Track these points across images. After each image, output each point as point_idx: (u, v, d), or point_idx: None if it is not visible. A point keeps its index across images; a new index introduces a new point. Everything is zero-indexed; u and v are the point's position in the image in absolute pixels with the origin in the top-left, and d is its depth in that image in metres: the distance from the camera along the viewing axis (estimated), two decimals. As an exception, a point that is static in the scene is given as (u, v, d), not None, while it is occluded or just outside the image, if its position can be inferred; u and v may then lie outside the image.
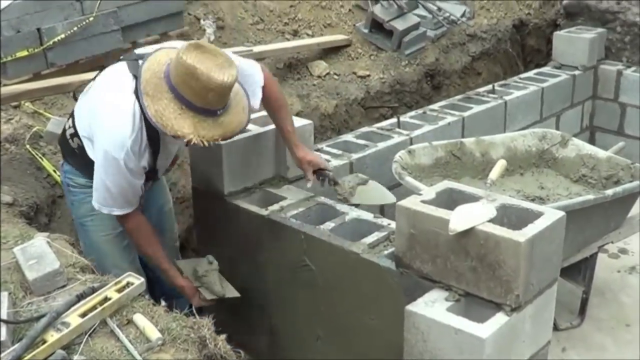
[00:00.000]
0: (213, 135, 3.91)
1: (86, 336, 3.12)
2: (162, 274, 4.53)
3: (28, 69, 5.81)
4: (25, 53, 5.70)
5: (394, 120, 6.74)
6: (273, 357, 5.11)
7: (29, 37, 5.74)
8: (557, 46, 8.72)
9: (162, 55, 4.01)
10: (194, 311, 3.44)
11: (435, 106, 7.25)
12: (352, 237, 4.45)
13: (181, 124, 3.82)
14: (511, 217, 3.76)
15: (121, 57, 4.29)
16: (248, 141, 4.93)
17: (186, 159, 5.58)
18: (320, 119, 7.08)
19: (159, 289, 4.65)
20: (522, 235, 3.45)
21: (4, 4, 5.55)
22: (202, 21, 7.34)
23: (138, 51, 4.28)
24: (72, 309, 3.22)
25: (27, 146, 5.34)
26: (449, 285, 3.71)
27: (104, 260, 4.41)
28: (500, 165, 4.44)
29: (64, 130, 4.47)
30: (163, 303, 3.52)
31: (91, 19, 6.01)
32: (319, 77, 7.56)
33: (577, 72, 8.42)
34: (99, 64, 6.14)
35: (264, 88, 4.50)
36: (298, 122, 5.03)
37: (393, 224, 4.25)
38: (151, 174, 4.34)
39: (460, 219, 3.59)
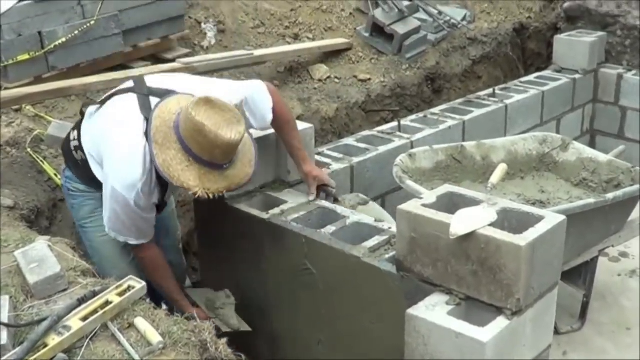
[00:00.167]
0: (218, 187, 4.00)
1: (87, 340, 3.13)
2: (173, 304, 4.52)
3: (29, 73, 5.81)
4: (26, 56, 5.71)
5: (394, 123, 6.74)
6: (274, 361, 5.12)
7: (30, 40, 5.75)
8: (557, 50, 8.72)
9: (173, 104, 4.05)
10: (195, 314, 3.45)
11: (436, 110, 7.26)
12: (353, 241, 4.45)
13: (187, 176, 3.90)
14: (512, 221, 3.76)
15: (131, 88, 4.31)
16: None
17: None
18: (321, 123, 7.09)
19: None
20: (523, 239, 3.45)
21: (5, 8, 5.55)
22: (203, 25, 7.35)
23: (149, 83, 4.31)
24: (73, 312, 3.22)
25: (28, 150, 5.34)
26: (449, 289, 3.71)
27: (104, 261, 4.50)
28: (501, 169, 4.43)
29: (69, 140, 4.51)
30: (164, 307, 3.53)
31: (92, 22, 6.01)
32: (319, 80, 7.56)
33: (577, 76, 8.43)
34: (100, 67, 6.18)
35: (272, 109, 4.60)
36: (299, 125, 5.03)
37: (394, 228, 4.25)
38: (160, 206, 4.38)
39: (461, 222, 3.59)
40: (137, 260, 4.49)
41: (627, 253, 6.86)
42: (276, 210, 4.82)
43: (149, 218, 4.28)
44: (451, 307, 3.64)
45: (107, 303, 3.31)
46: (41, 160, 5.32)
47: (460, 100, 7.59)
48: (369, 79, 7.81)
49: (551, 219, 3.68)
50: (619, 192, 5.26)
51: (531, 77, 8.46)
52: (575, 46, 8.55)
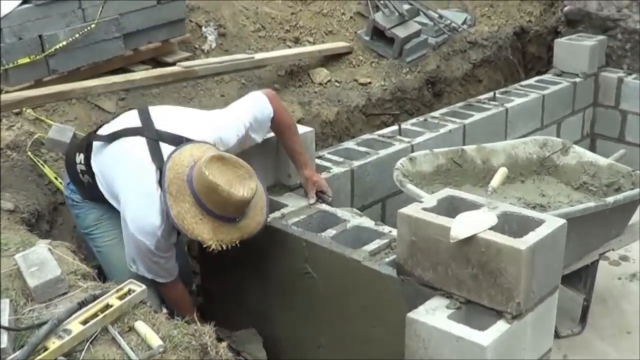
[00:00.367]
0: (231, 238, 4.12)
1: (87, 343, 3.13)
2: None
3: (30, 76, 5.82)
4: (27, 60, 5.71)
5: (395, 127, 6.74)
6: (274, 364, 5.12)
7: (31, 44, 5.75)
8: (558, 53, 8.72)
9: (185, 155, 4.12)
10: (195, 318, 3.45)
11: (436, 113, 7.25)
12: (354, 245, 4.45)
13: (201, 229, 4.01)
14: (512, 224, 3.76)
15: (139, 129, 4.35)
16: (249, 149, 4.93)
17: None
18: (321, 126, 7.08)
19: None
20: (523, 243, 3.46)
21: (5, 11, 5.55)
22: (203, 28, 7.35)
23: (157, 124, 4.36)
24: (74, 316, 3.22)
25: (29, 153, 5.35)
26: (450, 292, 3.71)
27: (113, 263, 4.59)
28: (501, 173, 4.45)
29: (74, 162, 4.58)
30: (164, 310, 3.54)
31: (93, 26, 6.02)
32: (320, 84, 7.56)
33: (577, 80, 8.42)
34: (100, 70, 6.18)
35: (273, 116, 4.71)
36: (299, 129, 5.04)
37: (394, 232, 4.25)
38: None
39: (461, 226, 3.59)
40: (164, 296, 4.56)
41: (627, 257, 6.85)
42: (276, 214, 4.82)
43: (170, 256, 4.39)
44: (451, 310, 3.64)
45: (108, 306, 3.31)
46: (41, 164, 5.33)
47: (460, 104, 7.58)
48: (370, 83, 7.81)
49: (551, 222, 3.69)
50: (620, 196, 5.25)
51: (531, 81, 8.45)
52: (576, 50, 8.55)
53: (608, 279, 6.49)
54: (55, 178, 5.27)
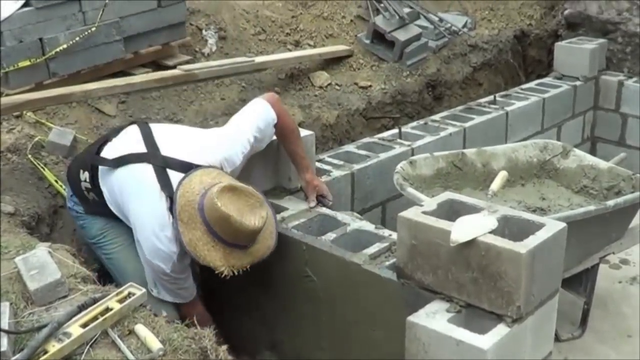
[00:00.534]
0: (243, 263, 4.19)
1: (87, 346, 3.13)
2: None
3: (30, 79, 5.81)
4: (27, 63, 5.70)
5: (395, 130, 6.74)
6: (274, 368, 5.12)
7: (31, 47, 5.75)
8: (558, 57, 8.71)
9: (195, 183, 4.16)
10: (195, 321, 3.46)
11: (436, 117, 7.25)
12: (354, 248, 4.46)
13: (213, 256, 4.07)
14: (512, 228, 3.76)
15: (145, 156, 4.37)
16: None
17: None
18: (321, 130, 7.08)
19: None
20: (523, 246, 3.46)
21: (5, 14, 5.55)
22: (204, 31, 7.35)
23: (162, 149, 4.39)
24: (74, 319, 3.23)
25: (29, 156, 5.34)
26: (450, 296, 3.72)
27: (124, 269, 4.63)
28: (501, 177, 4.45)
29: (79, 179, 4.62)
30: (164, 313, 3.54)
31: (93, 29, 6.01)
32: (320, 87, 7.56)
33: (578, 83, 8.42)
34: (100, 74, 6.18)
35: (276, 122, 4.75)
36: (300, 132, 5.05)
37: (394, 235, 4.25)
38: None
39: (461, 230, 3.60)
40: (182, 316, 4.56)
41: (627, 260, 6.85)
42: (277, 218, 4.82)
43: (187, 277, 4.47)
44: (451, 314, 3.64)
45: (108, 310, 3.32)
46: (42, 167, 5.32)
47: (460, 107, 7.58)
48: (370, 86, 7.80)
49: (552, 226, 3.69)
50: (620, 199, 5.25)
51: (532, 84, 8.45)
52: (576, 53, 8.55)
53: (608, 283, 6.49)
54: (56, 181, 5.27)
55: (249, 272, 4.80)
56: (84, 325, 3.19)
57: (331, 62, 7.89)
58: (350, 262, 4.32)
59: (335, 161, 5.99)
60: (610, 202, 5.18)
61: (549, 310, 3.79)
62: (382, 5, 8.39)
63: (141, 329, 3.24)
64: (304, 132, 5.15)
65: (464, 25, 9.00)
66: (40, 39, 5.79)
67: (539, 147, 6.14)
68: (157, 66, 6.72)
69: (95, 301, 3.36)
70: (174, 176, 4.23)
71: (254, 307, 5.02)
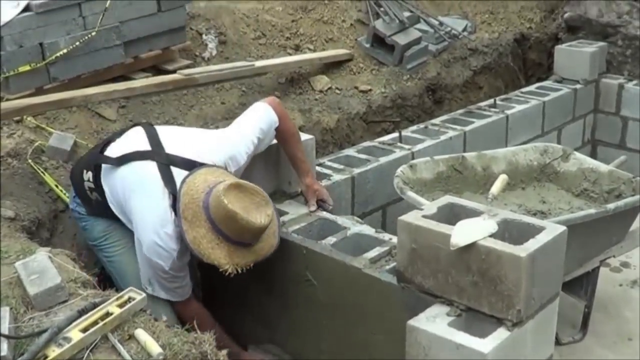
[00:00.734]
0: (247, 261, 4.17)
1: (87, 351, 3.13)
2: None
3: (30, 84, 5.82)
4: (27, 68, 5.71)
5: (395, 134, 6.74)
6: (275, 372, 5.12)
7: (32, 52, 5.75)
8: (558, 60, 8.72)
9: (199, 181, 4.16)
10: (195, 325, 3.45)
11: (436, 120, 7.25)
12: (354, 252, 4.46)
13: (218, 254, 4.06)
14: (512, 231, 3.76)
15: (149, 153, 4.39)
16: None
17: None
18: (322, 134, 7.08)
19: None
20: (524, 250, 3.46)
21: (6, 19, 5.56)
22: (204, 36, 7.36)
23: (167, 147, 4.41)
24: (74, 324, 3.23)
25: (29, 161, 5.34)
26: (450, 300, 3.71)
27: (125, 272, 4.64)
28: (501, 180, 4.44)
29: (82, 179, 4.62)
30: (164, 317, 3.54)
31: (93, 33, 6.01)
32: (320, 91, 7.56)
33: (578, 86, 8.42)
34: (101, 78, 6.18)
35: (277, 125, 4.76)
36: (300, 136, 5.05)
37: (394, 239, 4.25)
38: None
39: (461, 233, 3.59)
40: (179, 315, 4.57)
41: (628, 263, 6.85)
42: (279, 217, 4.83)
43: (185, 275, 4.44)
44: (452, 318, 3.64)
45: (108, 314, 3.32)
46: (42, 172, 5.32)
47: (461, 111, 7.58)
48: (370, 90, 7.80)
49: (552, 229, 3.69)
50: (620, 203, 5.25)
51: (532, 88, 8.45)
52: (576, 56, 8.56)
53: (609, 286, 6.49)
54: (56, 186, 5.26)
55: (249, 275, 4.81)
56: (84, 330, 3.19)
57: (331, 66, 7.90)
58: (351, 266, 4.32)
59: (336, 165, 5.99)
60: (611, 206, 5.18)
61: (549, 313, 3.79)
62: (382, 9, 8.39)
63: (141, 334, 3.24)
64: (304, 136, 5.15)
65: (464, 29, 9.01)
66: (41, 44, 5.79)
67: (539, 151, 6.14)
68: (157, 71, 6.73)
69: (95, 306, 3.36)
70: (178, 173, 4.23)
71: (254, 310, 5.01)
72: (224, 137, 4.66)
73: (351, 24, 8.49)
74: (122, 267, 4.63)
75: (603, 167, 5.85)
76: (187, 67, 6.78)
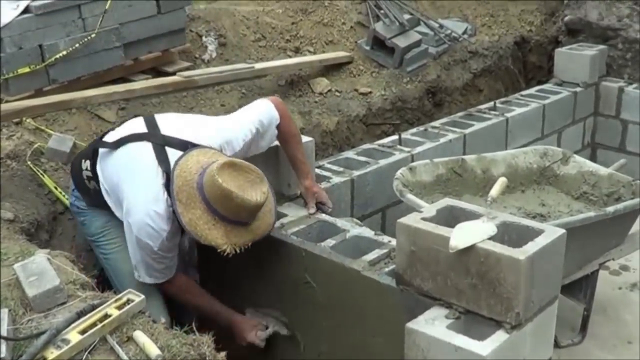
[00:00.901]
0: (244, 241, 4.15)
1: (86, 353, 3.13)
2: (216, 317, 4.67)
3: (30, 86, 5.82)
4: (27, 70, 5.71)
5: (395, 137, 6.74)
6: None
7: (31, 53, 5.75)
8: (558, 63, 8.72)
9: (192, 162, 4.13)
10: (194, 327, 3.45)
11: (436, 123, 7.25)
12: (353, 254, 4.45)
13: (215, 235, 4.03)
14: (512, 234, 3.76)
15: (145, 135, 4.39)
16: (250, 158, 4.94)
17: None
18: (321, 136, 7.08)
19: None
20: (523, 252, 3.45)
21: (5, 20, 5.56)
22: (204, 38, 7.36)
23: (163, 129, 4.41)
24: (72, 326, 3.23)
25: (29, 163, 5.34)
26: (449, 302, 3.71)
27: (120, 271, 4.63)
28: (500, 183, 4.44)
29: (80, 169, 4.61)
30: (163, 320, 3.53)
31: (93, 35, 6.02)
32: (320, 94, 7.56)
33: (578, 89, 8.42)
34: (100, 80, 6.18)
35: (278, 123, 4.73)
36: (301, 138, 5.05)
37: (394, 241, 4.25)
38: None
39: (460, 236, 3.59)
40: (168, 294, 4.58)
41: (627, 266, 6.84)
42: (276, 224, 4.82)
43: (173, 256, 4.41)
44: (450, 320, 3.63)
45: (106, 316, 3.31)
46: (41, 174, 5.32)
47: (461, 114, 7.58)
48: (370, 92, 7.81)
49: (551, 232, 3.68)
50: (620, 206, 5.25)
51: (532, 91, 8.45)
52: (576, 59, 8.55)
53: (608, 289, 6.49)
54: (55, 188, 5.27)
55: (248, 275, 4.83)
56: (83, 332, 3.19)
57: (331, 69, 7.90)
58: (350, 269, 4.32)
59: (335, 167, 5.99)
60: (610, 209, 5.18)
61: (548, 316, 3.79)
62: (382, 11, 8.40)
63: (140, 336, 3.23)
64: (304, 139, 5.14)
65: (464, 32, 9.01)
66: (40, 46, 5.80)
67: (539, 154, 6.14)
68: (157, 72, 6.73)
69: (94, 308, 3.36)
70: (173, 153, 4.21)
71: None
72: (222, 122, 4.67)
73: (351, 27, 8.49)
74: (117, 264, 4.62)
75: (603, 170, 5.85)
76: (187, 69, 6.79)
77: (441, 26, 8.85)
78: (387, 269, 4.24)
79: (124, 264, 4.55)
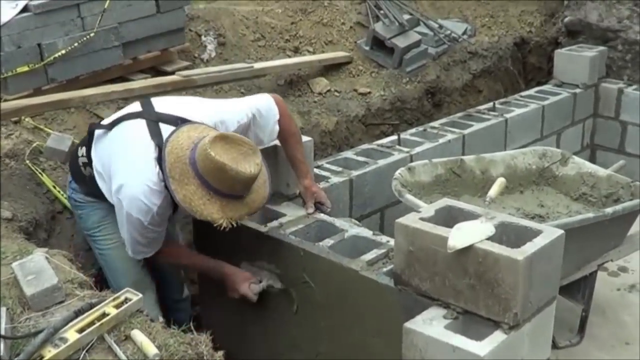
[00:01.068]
0: (240, 214, 4.13)
1: (84, 352, 3.13)
2: (210, 273, 4.77)
3: (29, 85, 5.82)
4: (25, 69, 5.71)
5: (394, 137, 6.74)
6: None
7: (30, 52, 5.75)
8: (558, 64, 8.71)
9: (183, 138, 4.10)
10: (192, 327, 3.45)
11: (435, 123, 7.24)
12: (351, 254, 4.45)
13: (210, 210, 4.00)
14: (510, 235, 3.76)
15: (139, 112, 4.40)
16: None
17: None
18: (320, 136, 7.08)
19: (168, 292, 5.02)
20: (521, 253, 3.45)
21: (4, 19, 5.56)
22: (203, 37, 7.36)
23: (158, 108, 4.40)
24: (70, 324, 3.22)
25: (27, 162, 5.34)
26: (447, 302, 3.71)
27: (115, 268, 4.66)
28: (499, 183, 4.44)
29: (77, 156, 4.60)
30: (161, 319, 3.53)
31: (92, 34, 6.02)
32: (319, 94, 7.56)
33: (578, 90, 8.41)
34: (99, 79, 6.18)
35: (278, 121, 4.71)
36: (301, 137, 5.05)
37: (392, 241, 4.25)
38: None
39: (459, 236, 3.59)
40: (159, 262, 4.62)
41: (626, 267, 6.85)
42: (274, 223, 4.83)
43: (162, 230, 4.39)
44: (448, 320, 3.63)
45: (104, 315, 3.32)
46: (40, 173, 5.32)
47: (460, 114, 7.57)
48: (369, 93, 7.81)
49: (549, 233, 3.68)
50: (618, 207, 5.25)
51: (531, 91, 8.44)
52: (576, 60, 8.55)
53: (607, 290, 6.50)
54: (54, 187, 5.27)
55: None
56: (81, 331, 3.19)
57: (330, 69, 7.90)
58: (348, 269, 4.31)
59: (334, 167, 5.99)
60: (609, 210, 5.18)
61: (546, 317, 3.79)
62: (382, 11, 8.41)
63: (137, 335, 3.23)
64: (303, 138, 5.14)
65: (464, 32, 9.01)
66: (39, 45, 5.80)
67: (538, 155, 6.14)
68: (156, 72, 6.73)
69: (91, 306, 3.36)
70: (166, 129, 4.19)
71: (251, 312, 5.00)
72: (218, 103, 4.70)
73: (351, 27, 8.49)
74: (113, 260, 4.64)
75: (602, 172, 5.84)
76: (186, 68, 6.79)
77: (441, 27, 8.86)
78: (385, 269, 4.23)
79: (119, 260, 4.56)
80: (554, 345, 5.26)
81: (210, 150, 3.87)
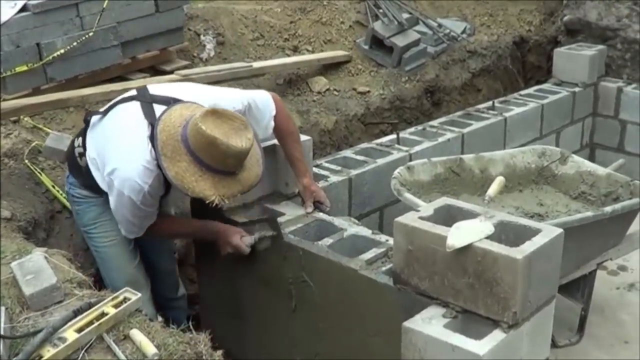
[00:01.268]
0: (233, 192, 4.09)
1: (82, 351, 3.13)
2: (203, 233, 4.80)
3: (27, 84, 5.82)
4: (24, 68, 5.71)
5: (393, 136, 6.73)
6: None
7: (29, 52, 5.75)
8: (557, 63, 8.71)
9: (175, 116, 4.09)
10: (191, 326, 3.44)
11: (435, 122, 7.24)
12: (350, 253, 4.45)
13: (202, 186, 3.97)
14: (509, 234, 3.75)
15: (134, 96, 4.41)
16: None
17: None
18: (319, 135, 7.08)
19: (163, 290, 5.04)
20: (520, 252, 3.45)
21: (3, 19, 5.55)
22: (202, 37, 7.36)
23: (152, 91, 4.41)
24: (69, 324, 3.23)
25: (26, 161, 5.34)
26: (446, 301, 3.71)
27: (110, 266, 4.66)
28: (498, 182, 4.44)
29: (73, 147, 4.60)
30: (160, 318, 3.54)
31: (91, 34, 6.02)
32: (318, 93, 7.56)
33: (577, 89, 8.41)
34: (98, 79, 6.18)
35: (275, 117, 4.69)
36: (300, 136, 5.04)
37: (391, 240, 4.24)
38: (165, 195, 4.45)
39: (458, 235, 3.59)
40: (153, 235, 4.59)
41: (625, 266, 6.84)
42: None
43: (154, 210, 4.38)
44: (447, 320, 3.63)
45: (103, 314, 3.32)
46: (39, 172, 5.32)
47: (459, 113, 7.56)
48: (368, 92, 7.81)
49: (548, 232, 3.68)
50: (618, 206, 5.25)
51: (531, 90, 8.44)
52: (575, 59, 8.55)
53: (606, 289, 6.49)
54: (53, 186, 5.27)
55: (246, 276, 4.81)
56: (79, 330, 3.19)
57: (329, 68, 7.90)
58: (347, 268, 4.31)
59: (333, 166, 5.98)
60: (608, 209, 5.18)
61: (545, 316, 3.78)
62: (381, 10, 8.40)
63: (136, 334, 3.24)
64: (302, 138, 5.14)
65: (463, 31, 9.01)
66: (38, 44, 5.80)
67: (537, 153, 6.14)
68: (155, 71, 6.73)
69: (90, 306, 3.36)
70: (159, 109, 4.19)
71: (250, 312, 5.00)
72: (215, 89, 4.72)
73: (350, 26, 8.49)
74: (108, 258, 4.64)
75: (601, 170, 5.84)
76: (185, 67, 6.79)
77: (440, 25, 8.85)
78: (384, 268, 4.23)
79: (114, 258, 4.58)
80: (553, 344, 5.26)
81: (201, 124, 3.86)
